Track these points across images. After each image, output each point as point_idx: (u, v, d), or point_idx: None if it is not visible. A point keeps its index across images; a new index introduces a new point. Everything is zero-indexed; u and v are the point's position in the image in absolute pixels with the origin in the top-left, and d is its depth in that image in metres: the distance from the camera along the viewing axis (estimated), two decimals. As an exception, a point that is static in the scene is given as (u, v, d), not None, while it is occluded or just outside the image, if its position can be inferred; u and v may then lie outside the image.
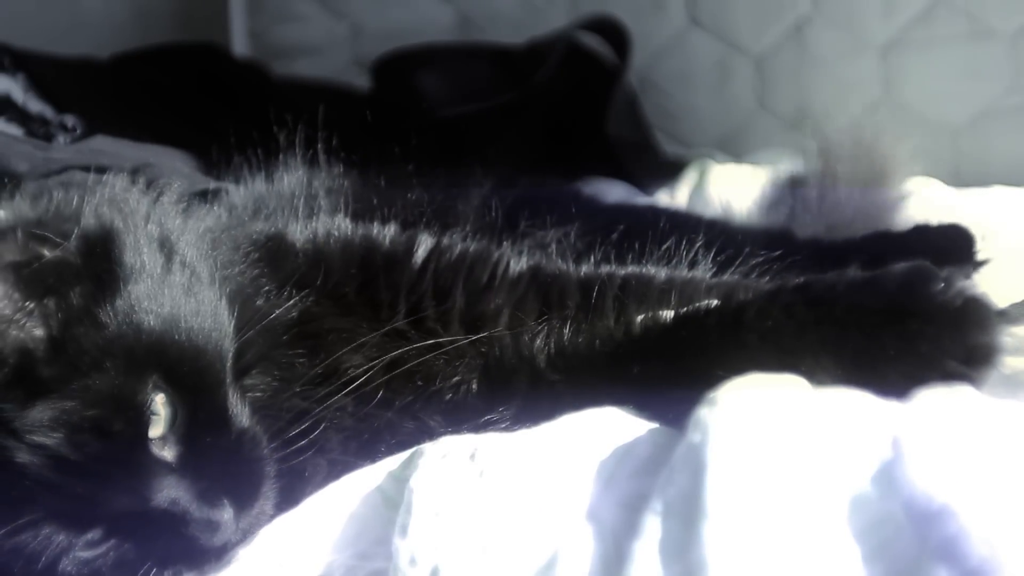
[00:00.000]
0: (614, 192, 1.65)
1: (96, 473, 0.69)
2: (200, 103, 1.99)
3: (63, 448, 0.68)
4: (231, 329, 0.78)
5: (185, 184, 1.04)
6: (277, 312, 0.83)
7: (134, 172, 1.04)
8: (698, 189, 1.72)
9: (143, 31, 2.31)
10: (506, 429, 0.78)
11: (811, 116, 1.57)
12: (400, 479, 0.69)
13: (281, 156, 1.17)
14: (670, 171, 1.79)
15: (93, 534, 0.71)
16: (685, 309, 0.80)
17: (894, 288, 0.68)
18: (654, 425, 0.69)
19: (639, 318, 0.82)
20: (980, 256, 1.20)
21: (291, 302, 0.85)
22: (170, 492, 0.71)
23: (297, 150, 1.16)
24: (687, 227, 1.01)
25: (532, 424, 0.72)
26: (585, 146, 1.85)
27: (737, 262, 0.96)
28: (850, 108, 1.88)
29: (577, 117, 1.87)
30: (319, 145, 1.17)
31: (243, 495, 0.74)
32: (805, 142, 1.59)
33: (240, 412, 0.76)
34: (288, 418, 0.80)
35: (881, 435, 0.54)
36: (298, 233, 0.95)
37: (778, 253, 0.98)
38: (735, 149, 1.94)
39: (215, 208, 1.01)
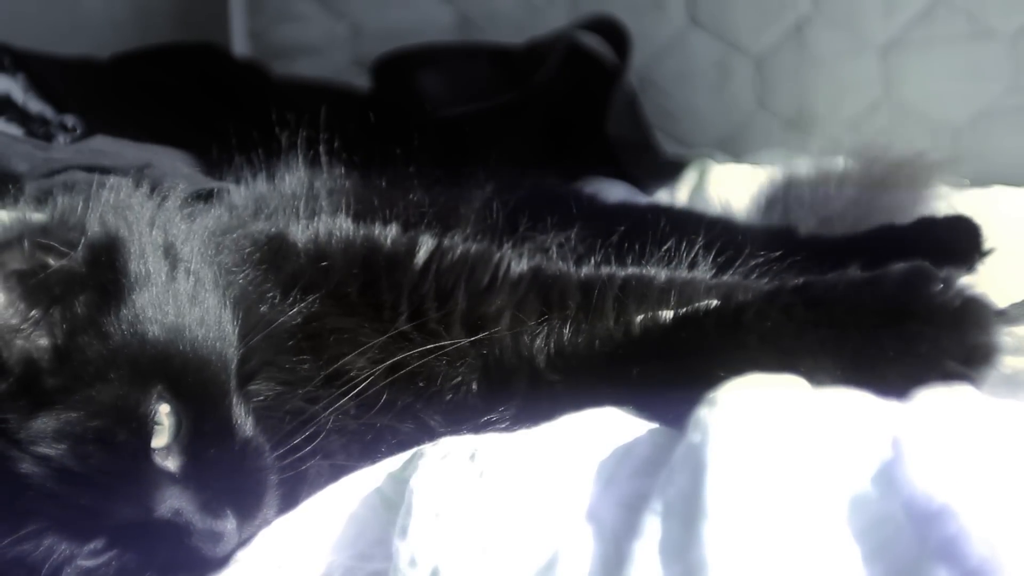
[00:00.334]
0: (614, 192, 1.66)
1: (100, 484, 0.69)
2: (200, 103, 1.99)
3: (67, 459, 0.68)
4: (235, 337, 0.78)
5: (188, 186, 1.04)
6: (282, 319, 0.83)
7: (138, 174, 1.04)
8: (698, 189, 1.72)
9: (143, 31, 2.31)
10: (506, 429, 0.78)
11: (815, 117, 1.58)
12: (400, 480, 0.69)
13: (282, 156, 1.17)
14: (670, 171, 1.79)
15: (96, 544, 0.70)
16: (685, 310, 0.80)
17: (893, 288, 0.68)
18: (654, 425, 0.69)
19: (639, 319, 0.82)
20: (986, 246, 1.21)
21: (296, 308, 0.85)
22: (173, 503, 0.71)
23: (298, 150, 1.17)
24: (687, 228, 1.01)
25: (532, 424, 0.72)
26: (585, 146, 1.85)
27: (737, 263, 0.96)
28: (850, 108, 1.88)
29: (577, 117, 1.87)
30: (320, 146, 1.17)
31: (246, 505, 0.74)
32: (809, 141, 1.59)
33: (243, 422, 0.76)
34: (291, 422, 0.80)
35: (881, 435, 0.54)
36: (299, 233, 0.95)
37: (778, 253, 0.98)
38: (735, 149, 1.94)
39: (216, 209, 1.01)
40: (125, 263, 0.75)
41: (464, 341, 0.88)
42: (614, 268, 0.95)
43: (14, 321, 0.70)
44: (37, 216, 0.79)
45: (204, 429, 0.73)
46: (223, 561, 0.73)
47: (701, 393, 0.59)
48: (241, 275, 0.85)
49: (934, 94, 1.84)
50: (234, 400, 0.76)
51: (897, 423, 0.54)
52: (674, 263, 0.96)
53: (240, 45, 2.39)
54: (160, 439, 0.72)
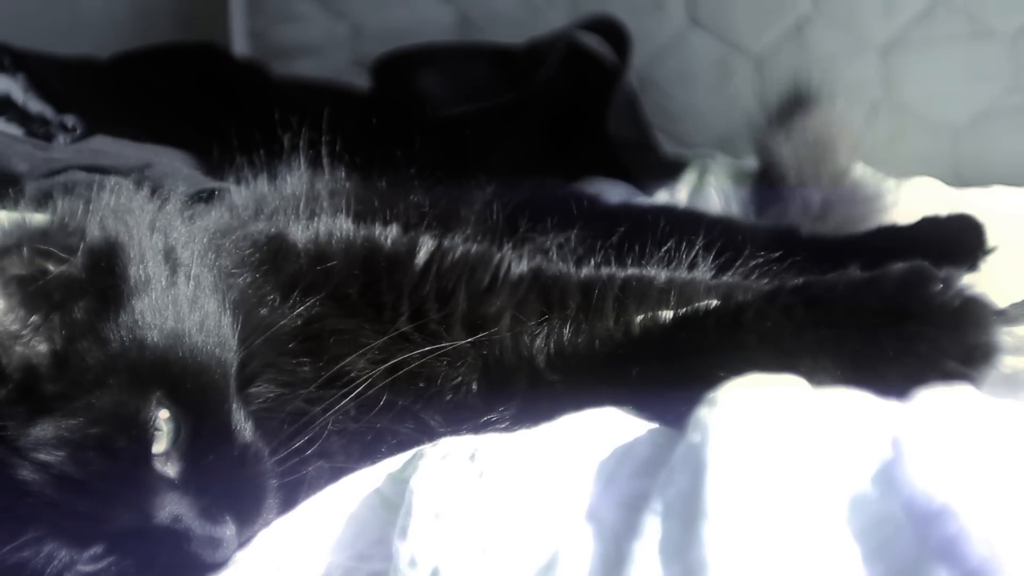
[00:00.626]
0: (614, 192, 1.66)
1: (99, 490, 0.69)
2: (200, 103, 1.99)
3: (66, 466, 0.67)
4: (235, 341, 0.78)
5: (189, 187, 1.04)
6: (282, 322, 0.83)
7: (139, 175, 1.04)
8: (698, 189, 1.72)
9: (143, 31, 2.31)
10: (506, 429, 0.78)
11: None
12: (400, 480, 0.69)
13: (283, 157, 1.17)
14: (670, 171, 1.79)
15: (95, 550, 0.70)
16: (685, 310, 0.80)
17: (892, 289, 0.68)
18: (654, 425, 0.69)
19: (639, 319, 0.82)
20: (989, 244, 1.21)
21: (297, 311, 0.85)
22: (172, 509, 0.71)
23: (299, 151, 1.16)
24: (687, 228, 1.01)
25: (532, 424, 0.72)
26: (585, 146, 1.85)
27: (737, 263, 0.96)
28: (850, 108, 1.88)
29: (577, 117, 1.87)
30: (322, 147, 1.17)
31: (245, 511, 0.74)
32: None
33: (243, 427, 0.76)
34: (291, 424, 0.80)
35: (881, 435, 0.54)
36: (299, 233, 0.95)
37: (778, 253, 0.98)
38: (735, 149, 1.93)
39: (217, 210, 1.01)
40: (125, 268, 0.74)
41: (464, 341, 0.88)
42: (614, 269, 0.96)
43: (14, 327, 0.70)
44: (37, 218, 0.79)
45: (203, 435, 0.73)
46: (222, 566, 0.73)
47: (701, 393, 0.59)
48: (241, 278, 0.85)
49: (934, 94, 1.84)
50: (233, 406, 0.76)
51: (897, 423, 0.54)
52: (674, 263, 0.96)
53: (240, 45, 2.39)
54: (159, 445, 0.71)
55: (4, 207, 0.86)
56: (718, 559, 0.50)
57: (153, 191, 0.88)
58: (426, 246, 0.95)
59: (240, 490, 0.74)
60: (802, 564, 0.49)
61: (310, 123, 1.18)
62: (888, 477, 0.51)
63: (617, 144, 1.82)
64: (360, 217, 1.00)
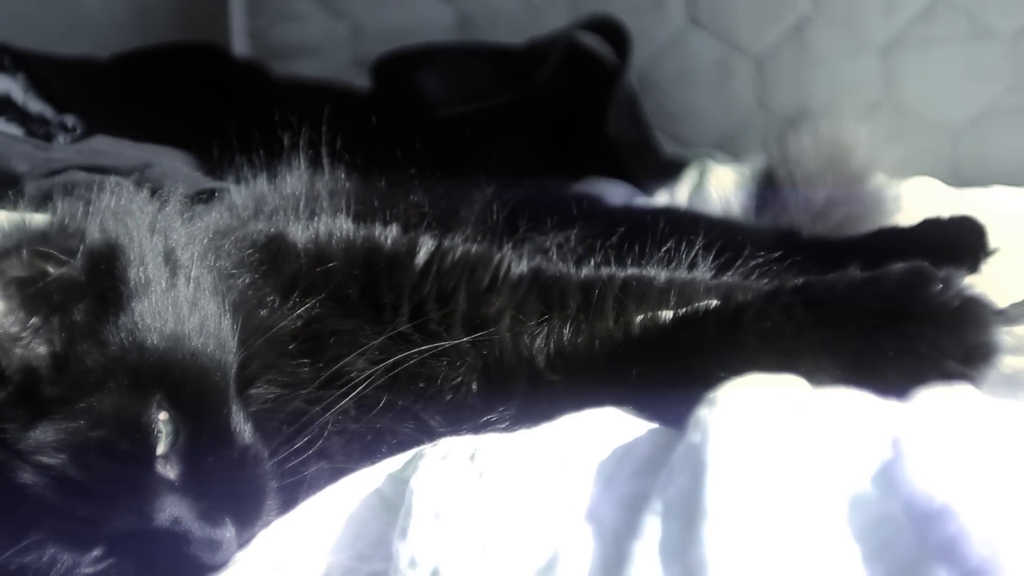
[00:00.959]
0: (614, 192, 1.66)
1: (99, 493, 0.68)
2: (200, 103, 1.99)
3: (67, 469, 0.67)
4: (234, 343, 0.78)
5: (189, 188, 1.04)
6: (282, 324, 0.83)
7: (139, 175, 1.03)
8: (698, 189, 1.72)
9: (143, 31, 2.31)
10: (506, 429, 0.78)
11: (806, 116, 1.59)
12: (400, 480, 0.69)
13: (283, 157, 1.17)
14: (670, 171, 1.79)
15: (96, 552, 0.70)
16: (684, 310, 0.80)
17: (892, 289, 0.68)
18: (654, 425, 0.69)
19: (639, 319, 0.82)
20: (991, 246, 1.22)
21: (296, 312, 0.85)
22: (172, 511, 0.71)
23: (299, 151, 1.16)
24: (687, 228, 1.01)
25: (532, 424, 0.72)
26: (585, 146, 1.85)
27: (737, 263, 0.96)
28: (850, 108, 1.88)
29: (577, 117, 1.87)
30: (322, 147, 1.17)
31: (245, 513, 0.74)
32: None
33: (242, 429, 0.76)
34: (291, 425, 0.79)
35: (881, 435, 0.54)
36: (299, 233, 0.94)
37: (778, 254, 0.98)
38: (735, 149, 1.94)
39: (217, 210, 1.01)
40: (124, 271, 0.74)
41: (464, 340, 0.88)
42: (614, 269, 0.96)
43: (13, 329, 0.70)
44: (37, 219, 0.79)
45: (203, 437, 0.73)
46: (222, 568, 0.72)
47: (701, 393, 0.59)
48: (241, 279, 0.85)
49: (934, 94, 1.84)
50: (233, 408, 0.76)
51: (897, 423, 0.54)
52: (674, 264, 0.96)
53: (240, 45, 2.39)
54: (159, 447, 0.71)
55: (4, 208, 0.85)
56: (718, 559, 0.50)
57: (153, 192, 0.88)
58: (426, 246, 0.95)
59: (240, 492, 0.74)
60: (802, 564, 0.49)
61: (310, 123, 1.18)
62: (888, 477, 0.51)
63: (617, 144, 1.83)
64: (360, 217, 1.00)
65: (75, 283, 0.73)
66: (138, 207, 0.82)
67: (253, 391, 0.80)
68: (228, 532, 0.72)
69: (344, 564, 0.69)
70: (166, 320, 0.74)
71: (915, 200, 1.48)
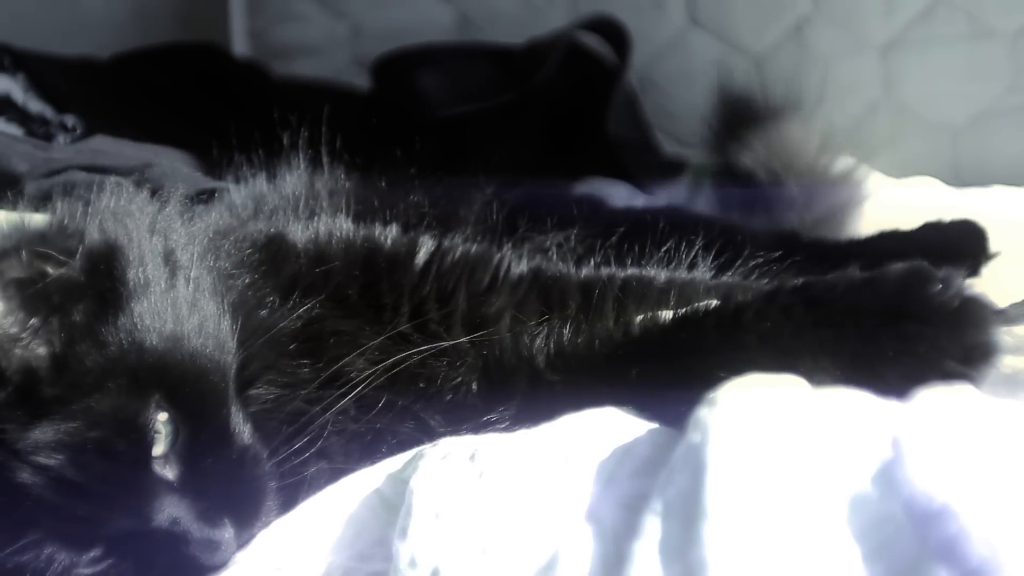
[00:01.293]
0: (614, 192, 1.66)
1: (98, 493, 0.69)
2: (200, 103, 1.99)
3: (66, 470, 0.67)
4: (234, 344, 0.78)
5: (189, 188, 1.04)
6: (282, 324, 0.83)
7: (139, 175, 1.03)
8: (698, 189, 1.72)
9: (143, 31, 2.31)
10: (506, 429, 0.78)
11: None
12: (400, 480, 0.69)
13: (283, 156, 1.17)
14: (670, 171, 1.79)
15: (94, 553, 0.70)
16: (684, 310, 0.80)
17: (892, 289, 0.68)
18: (654, 425, 0.69)
19: (639, 319, 0.82)
20: (991, 250, 1.22)
21: (296, 312, 0.85)
22: (171, 512, 0.71)
23: (299, 151, 1.17)
24: (687, 228, 1.01)
25: (532, 424, 0.72)
26: (585, 146, 1.85)
27: (737, 263, 0.96)
28: (850, 108, 1.88)
29: (577, 117, 1.87)
30: (322, 147, 1.17)
31: (244, 513, 0.74)
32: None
33: (242, 429, 0.76)
34: (291, 425, 0.79)
35: (881, 435, 0.54)
36: (299, 233, 0.94)
37: (778, 254, 0.98)
38: (735, 149, 1.93)
39: (216, 210, 1.01)
40: (124, 271, 0.74)
41: (464, 340, 0.88)
42: (614, 269, 0.96)
43: (13, 330, 0.70)
44: (37, 219, 0.79)
45: (202, 437, 0.73)
46: (220, 569, 0.73)
47: (701, 393, 0.59)
48: (240, 279, 0.85)
49: (934, 94, 1.84)
50: (232, 408, 0.76)
51: (897, 423, 0.54)
52: (674, 264, 0.96)
53: (240, 45, 2.39)
54: (158, 448, 0.71)
55: (4, 208, 0.85)
56: (718, 559, 0.50)
57: (153, 192, 0.88)
58: (426, 246, 0.95)
59: (239, 492, 0.74)
60: (802, 564, 0.49)
61: (310, 123, 1.18)
62: (888, 477, 0.51)
63: (617, 144, 1.82)
64: (360, 217, 1.00)
65: (74, 284, 0.73)
66: (138, 207, 0.82)
67: (253, 391, 0.80)
68: (227, 532, 0.72)
69: (344, 564, 0.69)
70: (165, 321, 0.74)
71: (915, 200, 1.48)
